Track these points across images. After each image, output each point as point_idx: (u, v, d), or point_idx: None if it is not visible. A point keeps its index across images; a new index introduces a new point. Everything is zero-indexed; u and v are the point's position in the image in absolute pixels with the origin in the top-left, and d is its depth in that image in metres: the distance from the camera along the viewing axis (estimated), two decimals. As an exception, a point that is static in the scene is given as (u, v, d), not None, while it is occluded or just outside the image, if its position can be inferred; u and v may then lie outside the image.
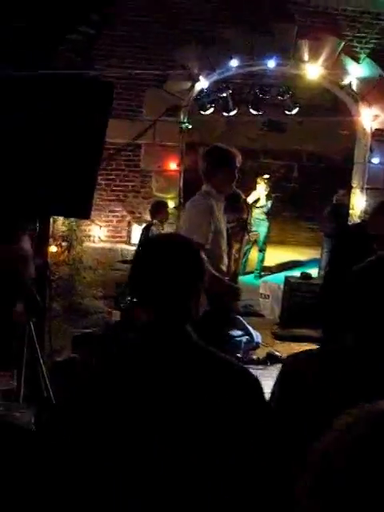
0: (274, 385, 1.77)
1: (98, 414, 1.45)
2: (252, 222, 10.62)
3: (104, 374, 1.56)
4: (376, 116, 8.76)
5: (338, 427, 0.70)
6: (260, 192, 10.73)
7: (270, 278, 10.14)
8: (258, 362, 6.43)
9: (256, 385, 1.56)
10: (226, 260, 3.85)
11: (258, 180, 10.92)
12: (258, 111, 9.68)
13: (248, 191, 10.49)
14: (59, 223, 7.74)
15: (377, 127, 8.80)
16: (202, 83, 8.49)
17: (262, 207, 10.72)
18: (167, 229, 7.57)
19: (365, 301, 1.64)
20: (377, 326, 1.61)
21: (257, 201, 10.68)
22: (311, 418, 1.51)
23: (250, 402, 1.50)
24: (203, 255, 3.43)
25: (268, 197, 10.81)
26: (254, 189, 10.78)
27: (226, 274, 3.90)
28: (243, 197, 4.91)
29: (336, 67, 8.59)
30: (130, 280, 1.69)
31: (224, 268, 3.80)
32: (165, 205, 7.71)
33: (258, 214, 10.72)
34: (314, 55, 8.48)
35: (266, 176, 11.13)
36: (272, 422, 1.51)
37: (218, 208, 3.71)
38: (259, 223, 10.73)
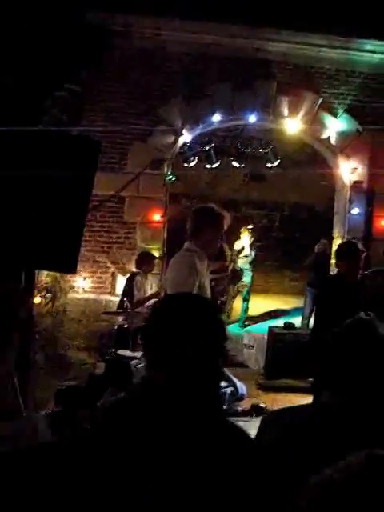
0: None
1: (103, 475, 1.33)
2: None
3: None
4: (354, 168, 9.02)
5: (320, 479, 0.75)
6: (244, 242, 10.86)
7: (253, 327, 10.17)
8: (243, 414, 6.36)
9: (251, 445, 1.55)
10: None
11: (242, 230, 11.06)
12: (239, 163, 9.93)
13: (232, 241, 10.63)
14: (43, 274, 7.75)
15: (355, 179, 9.05)
16: (186, 137, 8.71)
17: (246, 257, 10.83)
18: (151, 279, 7.61)
19: (339, 362, 1.72)
20: (348, 387, 1.68)
21: (241, 251, 10.80)
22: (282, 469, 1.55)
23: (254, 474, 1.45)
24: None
25: (252, 246, 10.94)
26: (238, 239, 10.92)
27: None
28: (224, 245, 4.99)
29: (315, 122, 8.88)
30: (144, 339, 1.43)
31: None
32: (151, 256, 7.77)
33: (242, 264, 10.81)
34: (294, 110, 8.78)
35: (250, 226, 11.29)
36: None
37: (201, 265, 3.77)
38: (244, 273, 10.80)
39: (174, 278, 3.67)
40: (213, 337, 1.46)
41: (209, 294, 3.88)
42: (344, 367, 1.70)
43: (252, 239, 10.96)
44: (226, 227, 3.85)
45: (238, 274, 4.79)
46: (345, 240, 8.60)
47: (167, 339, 1.41)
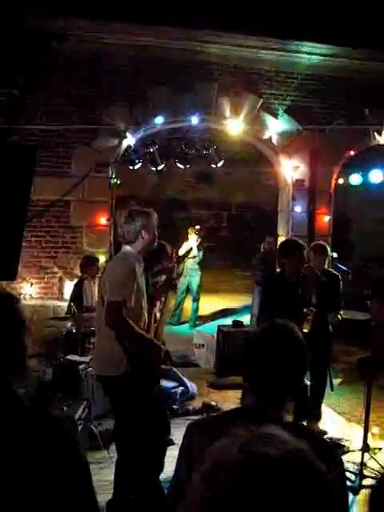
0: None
1: None
2: (185, 272, 10.78)
3: None
4: (296, 167, 9.22)
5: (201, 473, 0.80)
6: (191, 243, 10.94)
7: (203, 327, 10.26)
8: (195, 413, 6.44)
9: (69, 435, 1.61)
10: (145, 318, 3.97)
11: (189, 231, 11.13)
12: (184, 165, 9.97)
13: (180, 242, 10.69)
14: (-13, 282, 7.63)
15: (297, 177, 9.26)
16: (129, 140, 8.72)
17: (194, 257, 10.91)
18: (97, 282, 7.59)
19: (253, 365, 1.80)
20: (265, 390, 1.77)
21: (189, 251, 10.87)
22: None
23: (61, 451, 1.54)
24: (120, 310, 3.50)
25: (199, 247, 11.02)
26: (186, 240, 10.98)
27: (146, 331, 4.00)
28: (168, 247, 5.05)
29: (256, 122, 9.04)
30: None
31: (143, 326, 3.91)
32: (94, 259, 7.75)
33: (191, 265, 10.90)
34: (235, 111, 8.91)
35: (197, 227, 11.37)
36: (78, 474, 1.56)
37: (139, 268, 3.86)
38: (192, 273, 10.89)
39: (114, 280, 3.73)
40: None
41: (145, 296, 3.96)
42: (257, 370, 1.78)
43: (199, 239, 11.04)
44: (155, 223, 3.96)
45: (172, 285, 4.91)
46: (287, 238, 8.80)
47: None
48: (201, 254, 11.01)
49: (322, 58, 9.03)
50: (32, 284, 8.30)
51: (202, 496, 0.76)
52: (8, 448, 1.45)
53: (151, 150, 9.27)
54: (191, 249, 10.92)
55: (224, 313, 11.63)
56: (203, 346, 8.65)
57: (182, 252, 10.48)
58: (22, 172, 3.28)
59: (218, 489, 0.74)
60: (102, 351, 3.92)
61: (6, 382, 1.59)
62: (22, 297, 8.25)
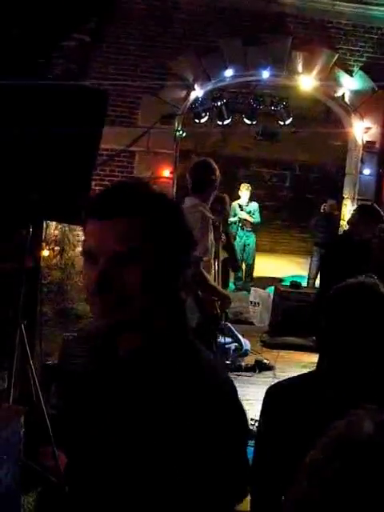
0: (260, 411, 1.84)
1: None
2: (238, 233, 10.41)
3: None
4: (368, 128, 8.88)
5: (322, 445, 0.75)
6: (243, 200, 10.60)
7: (260, 286, 10.20)
8: (247, 369, 6.49)
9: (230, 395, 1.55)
10: (214, 268, 3.96)
11: (242, 187, 10.79)
12: (251, 121, 9.79)
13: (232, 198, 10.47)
14: (52, 227, 7.78)
15: (368, 139, 8.92)
16: (197, 92, 8.59)
17: (249, 213, 10.50)
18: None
19: (335, 327, 1.69)
20: (345, 353, 1.66)
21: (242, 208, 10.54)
22: (289, 441, 1.59)
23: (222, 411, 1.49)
24: (200, 265, 3.49)
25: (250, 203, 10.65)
26: (238, 197, 10.67)
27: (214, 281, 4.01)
28: (227, 198, 5.02)
29: (329, 79, 8.71)
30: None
31: (212, 277, 3.91)
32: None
33: (246, 227, 10.49)
34: (308, 67, 8.60)
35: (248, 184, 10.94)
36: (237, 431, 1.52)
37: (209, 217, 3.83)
38: (248, 235, 10.54)
39: (196, 233, 3.70)
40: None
41: (214, 246, 3.94)
42: (340, 333, 1.67)
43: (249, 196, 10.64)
44: (219, 179, 3.95)
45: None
46: (357, 201, 8.56)
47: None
48: (257, 213, 10.63)
49: (405, 12, 8.55)
50: (93, 232, 8.41)
51: (325, 476, 0.71)
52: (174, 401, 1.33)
53: (219, 103, 9.14)
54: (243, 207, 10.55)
55: (281, 273, 11.53)
56: (258, 304, 8.64)
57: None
58: (94, 115, 3.27)
59: (347, 471, 0.69)
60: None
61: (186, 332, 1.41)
62: (80, 244, 8.41)
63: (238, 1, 8.23)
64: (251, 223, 10.47)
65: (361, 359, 1.66)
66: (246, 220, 10.40)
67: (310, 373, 1.93)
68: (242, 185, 10.88)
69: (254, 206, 10.70)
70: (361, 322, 1.64)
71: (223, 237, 4.62)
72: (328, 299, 1.73)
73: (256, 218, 10.61)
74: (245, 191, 10.65)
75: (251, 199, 10.74)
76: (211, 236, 3.76)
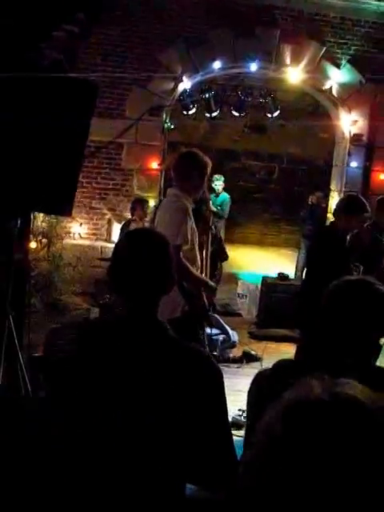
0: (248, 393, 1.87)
1: (78, 383, 1.62)
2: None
3: (82, 350, 1.69)
4: (355, 121, 8.92)
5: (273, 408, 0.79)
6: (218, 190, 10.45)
7: (248, 277, 10.24)
8: (234, 361, 6.52)
9: (216, 372, 1.67)
10: (198, 260, 3.96)
11: (214, 179, 10.33)
12: (239, 113, 9.78)
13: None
14: (39, 219, 7.75)
15: (355, 132, 8.97)
16: (185, 84, 8.58)
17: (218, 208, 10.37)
18: (146, 226, 7.63)
19: (332, 320, 1.73)
20: (335, 343, 1.71)
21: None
22: None
23: (207, 384, 1.61)
24: (179, 254, 3.52)
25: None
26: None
27: (201, 272, 4.01)
28: (210, 206, 4.97)
29: (317, 72, 8.73)
30: (109, 271, 1.68)
31: (197, 267, 3.91)
32: (144, 201, 7.76)
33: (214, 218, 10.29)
34: (296, 59, 8.61)
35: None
36: (219, 406, 1.63)
37: (190, 209, 3.82)
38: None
39: (169, 221, 3.71)
40: (161, 266, 1.70)
41: (197, 238, 3.94)
42: (336, 326, 1.71)
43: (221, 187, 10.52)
44: (208, 172, 3.90)
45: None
46: (344, 193, 8.60)
47: (124, 270, 1.69)
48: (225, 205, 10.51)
49: (392, 5, 8.58)
50: (81, 224, 8.41)
51: (278, 435, 0.74)
52: (156, 373, 1.56)
53: (207, 95, 9.13)
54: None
55: (269, 265, 11.57)
56: (246, 296, 8.68)
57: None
58: (83, 107, 3.27)
59: (298, 428, 0.73)
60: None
61: (154, 315, 1.69)
62: (71, 235, 8.40)
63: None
64: (218, 215, 10.20)
65: (348, 350, 1.70)
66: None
67: (290, 360, 1.98)
68: (215, 176, 10.58)
69: (225, 197, 10.61)
70: (356, 317, 1.69)
71: (213, 228, 4.61)
72: (327, 294, 1.77)
73: (222, 210, 10.47)
74: (217, 182, 10.45)
75: (225, 190, 10.65)
76: (192, 226, 3.75)
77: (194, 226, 3.82)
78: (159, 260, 1.70)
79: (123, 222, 7.79)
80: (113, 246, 7.94)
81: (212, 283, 3.99)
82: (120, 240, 7.10)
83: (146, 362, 1.57)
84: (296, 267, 9.97)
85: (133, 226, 7.36)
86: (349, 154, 9.03)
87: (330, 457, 0.69)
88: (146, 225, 7.54)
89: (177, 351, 1.63)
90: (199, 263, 3.99)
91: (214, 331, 6.64)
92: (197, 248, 3.91)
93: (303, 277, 8.33)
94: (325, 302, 1.77)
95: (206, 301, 3.87)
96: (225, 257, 7.35)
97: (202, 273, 4.07)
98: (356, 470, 0.69)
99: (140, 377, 1.55)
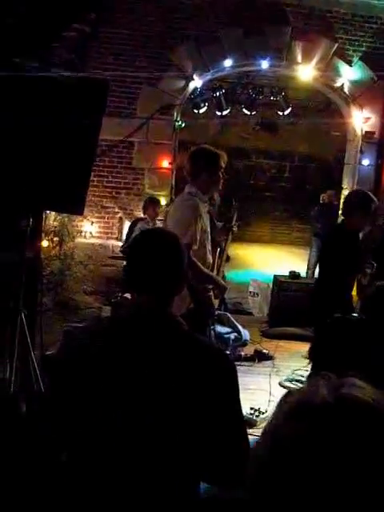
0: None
1: (86, 379, 1.62)
2: None
3: (91, 345, 1.71)
4: (367, 118, 8.86)
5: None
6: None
7: (260, 276, 10.21)
8: (246, 359, 6.50)
9: (230, 368, 1.67)
10: (209, 259, 3.92)
11: None
12: (250, 111, 9.78)
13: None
14: (51, 218, 7.78)
15: (367, 129, 8.91)
16: (196, 82, 8.56)
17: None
18: (158, 225, 7.64)
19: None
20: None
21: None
22: None
23: (221, 380, 1.61)
24: (189, 254, 3.51)
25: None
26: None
27: (212, 271, 3.99)
28: (234, 206, 4.91)
29: (328, 69, 8.69)
30: (124, 267, 1.77)
31: (208, 266, 3.87)
32: (156, 201, 7.77)
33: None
34: (307, 57, 8.57)
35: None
36: (234, 403, 1.64)
37: (202, 207, 3.78)
38: None
39: (179, 220, 3.69)
40: (174, 263, 1.73)
41: (209, 237, 3.90)
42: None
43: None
44: (223, 166, 3.84)
45: (231, 230, 4.75)
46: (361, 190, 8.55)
47: (138, 267, 1.73)
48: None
49: (404, 1, 8.52)
50: (93, 223, 8.43)
51: (283, 436, 0.74)
52: (171, 368, 1.57)
53: (217, 93, 9.12)
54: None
55: (280, 263, 11.55)
56: (258, 294, 8.66)
57: None
58: (94, 105, 3.27)
59: (303, 431, 0.73)
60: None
61: (168, 311, 1.72)
62: (82, 234, 8.42)
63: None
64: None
65: None
66: None
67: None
68: None
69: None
70: None
71: (222, 244, 4.55)
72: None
73: None
74: None
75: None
76: (202, 225, 3.71)
77: (205, 224, 3.78)
78: (172, 258, 1.72)
79: (132, 221, 7.81)
80: (124, 244, 7.96)
81: (223, 282, 3.97)
82: (134, 238, 7.11)
83: (160, 357, 1.58)
84: (307, 266, 9.93)
85: (140, 225, 7.37)
86: (360, 152, 8.98)
87: (335, 459, 0.70)
88: (158, 224, 7.55)
89: (191, 346, 1.64)
90: (210, 261, 3.96)
91: (226, 329, 6.63)
92: (209, 247, 3.87)
93: (315, 275, 8.32)
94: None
95: (213, 299, 3.84)
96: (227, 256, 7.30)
97: (213, 272, 4.05)
98: (360, 472, 0.69)
99: (153, 372, 1.56)
